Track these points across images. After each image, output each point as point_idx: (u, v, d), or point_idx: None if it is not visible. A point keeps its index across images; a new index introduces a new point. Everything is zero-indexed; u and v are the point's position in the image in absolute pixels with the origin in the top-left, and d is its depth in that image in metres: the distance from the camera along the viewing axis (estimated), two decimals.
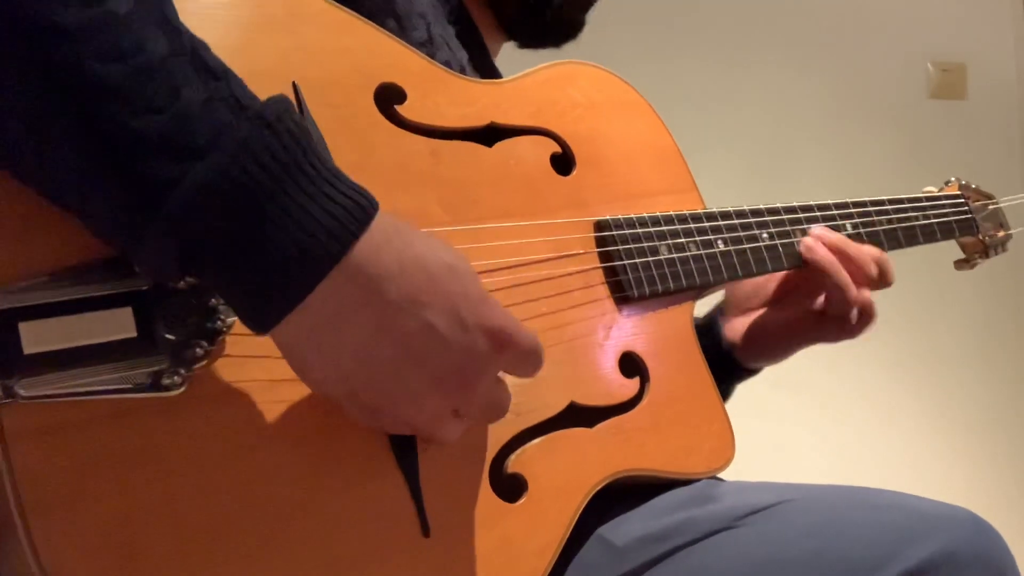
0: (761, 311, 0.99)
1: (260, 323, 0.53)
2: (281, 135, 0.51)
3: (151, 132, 0.48)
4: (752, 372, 1.01)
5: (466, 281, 0.58)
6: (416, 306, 0.55)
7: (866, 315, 0.94)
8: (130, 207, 0.49)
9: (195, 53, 0.52)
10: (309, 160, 0.52)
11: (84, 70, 0.48)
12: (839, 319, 0.94)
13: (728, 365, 0.99)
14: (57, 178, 0.50)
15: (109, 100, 0.48)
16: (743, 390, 1.01)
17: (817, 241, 0.92)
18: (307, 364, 0.56)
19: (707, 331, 0.99)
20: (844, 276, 0.91)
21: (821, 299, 0.95)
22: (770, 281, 0.98)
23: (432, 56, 0.77)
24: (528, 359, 0.61)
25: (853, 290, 0.91)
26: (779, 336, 0.98)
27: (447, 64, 0.80)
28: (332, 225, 0.52)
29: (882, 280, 0.95)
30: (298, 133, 0.52)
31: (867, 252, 0.94)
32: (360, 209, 0.53)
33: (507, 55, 1.02)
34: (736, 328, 0.99)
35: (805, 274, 0.94)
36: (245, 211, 0.50)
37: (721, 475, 0.83)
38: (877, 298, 0.94)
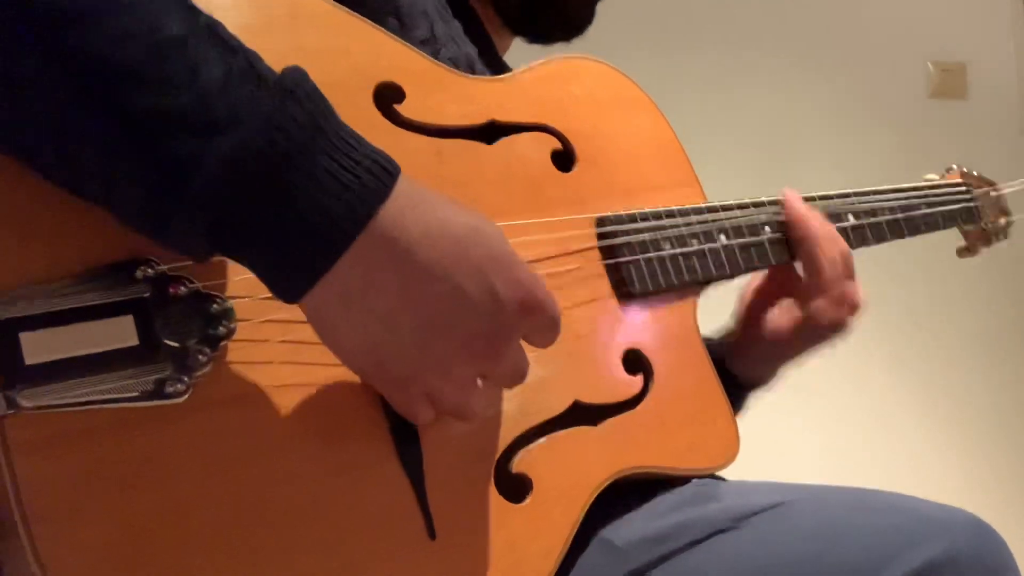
0: (757, 328, 0.95)
1: (290, 292, 0.53)
2: (303, 102, 0.51)
3: (173, 111, 0.48)
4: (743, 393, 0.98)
5: (492, 242, 0.57)
6: (443, 271, 0.55)
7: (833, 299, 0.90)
8: (156, 187, 0.49)
9: (210, 29, 0.52)
10: (330, 126, 0.52)
11: (101, 54, 0.48)
12: (816, 313, 0.91)
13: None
14: (78, 168, 0.50)
15: (128, 82, 0.48)
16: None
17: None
18: (337, 333, 0.55)
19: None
20: (814, 229, 0.89)
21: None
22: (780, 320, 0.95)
23: (436, 53, 0.76)
24: (551, 327, 0.61)
25: (823, 258, 0.89)
26: (768, 348, 0.95)
27: (454, 60, 0.80)
28: (358, 189, 0.52)
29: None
30: (317, 100, 0.52)
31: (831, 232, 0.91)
32: (385, 172, 0.53)
33: (520, 50, 1.01)
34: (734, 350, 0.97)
35: (784, 279, 0.93)
36: (271, 181, 0.50)
37: (722, 474, 0.83)
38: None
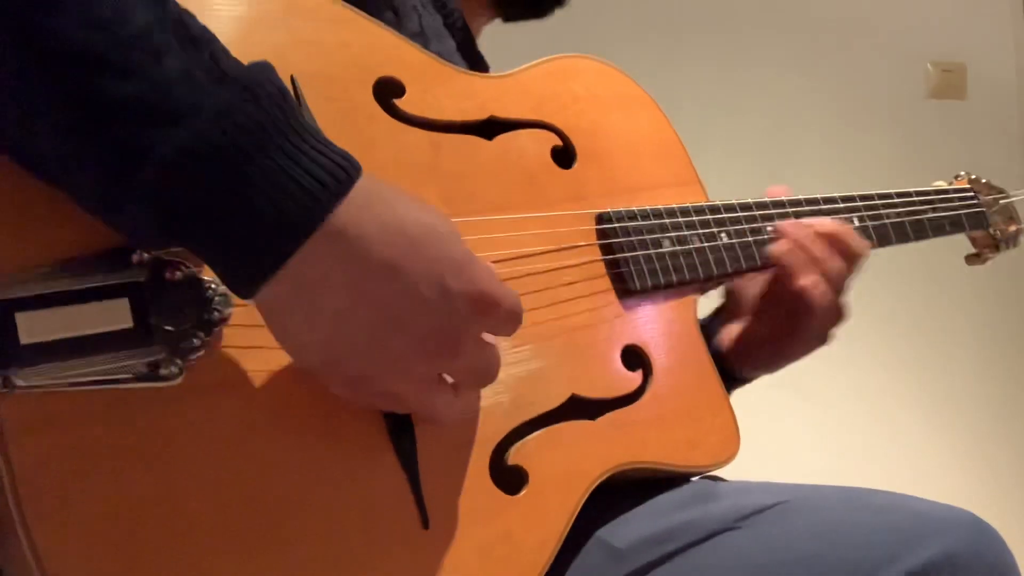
0: (748, 319, 0.95)
1: (244, 287, 0.53)
2: (261, 99, 0.51)
3: (130, 99, 0.49)
4: (743, 381, 0.97)
5: (448, 242, 0.58)
6: (395, 270, 0.55)
7: (805, 306, 0.88)
8: (108, 174, 0.49)
9: (179, 21, 0.52)
10: (290, 123, 0.52)
11: (68, 39, 0.48)
12: (804, 314, 0.89)
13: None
14: (38, 147, 0.50)
15: (90, 68, 0.48)
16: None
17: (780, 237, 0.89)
18: (288, 330, 0.55)
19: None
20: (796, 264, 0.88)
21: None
22: (755, 287, 0.94)
23: (426, 47, 0.77)
24: (510, 320, 0.61)
25: (798, 278, 0.87)
26: (763, 345, 0.94)
27: (439, 55, 0.80)
28: (313, 187, 0.52)
29: (845, 258, 0.90)
30: (278, 97, 0.52)
31: (810, 234, 0.89)
32: (342, 171, 0.53)
33: (504, 44, 1.01)
34: (728, 335, 0.96)
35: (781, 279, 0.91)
36: (224, 175, 0.50)
37: (721, 473, 0.83)
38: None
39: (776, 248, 0.89)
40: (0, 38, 0.48)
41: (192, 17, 0.53)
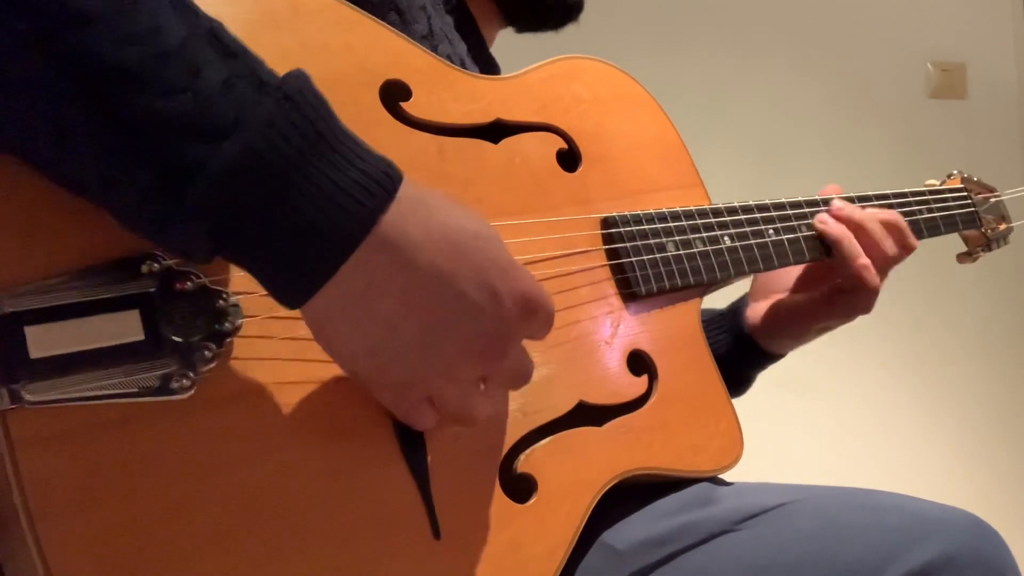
0: (782, 295, 0.99)
1: (293, 298, 0.53)
2: (303, 108, 0.51)
3: (173, 115, 0.48)
4: (774, 357, 1.01)
5: (492, 247, 0.58)
6: (445, 275, 0.55)
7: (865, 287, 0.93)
8: (156, 192, 0.49)
9: (212, 33, 0.51)
10: (332, 131, 0.52)
11: (103, 55, 0.47)
12: (851, 292, 0.93)
13: (750, 349, 0.99)
14: (77, 166, 0.49)
15: (129, 84, 0.48)
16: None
17: (829, 217, 0.93)
18: (337, 338, 0.55)
19: (732, 316, 1.00)
20: (854, 247, 0.91)
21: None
22: (793, 268, 0.98)
23: (434, 50, 0.76)
24: (547, 322, 0.62)
25: (861, 259, 0.91)
26: (796, 316, 0.97)
27: (448, 58, 0.80)
28: (361, 195, 0.52)
29: (901, 247, 0.95)
30: (319, 105, 0.52)
31: (880, 227, 0.93)
32: (387, 178, 0.53)
33: (508, 46, 1.01)
34: (758, 312, 0.99)
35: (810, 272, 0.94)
36: (274, 187, 0.50)
37: (723, 475, 0.83)
38: (881, 298, 0.94)
39: (834, 230, 0.91)
40: (30, 56, 0.47)
41: (223, 28, 0.52)
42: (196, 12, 0.51)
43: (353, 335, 0.55)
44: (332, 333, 0.55)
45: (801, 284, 0.98)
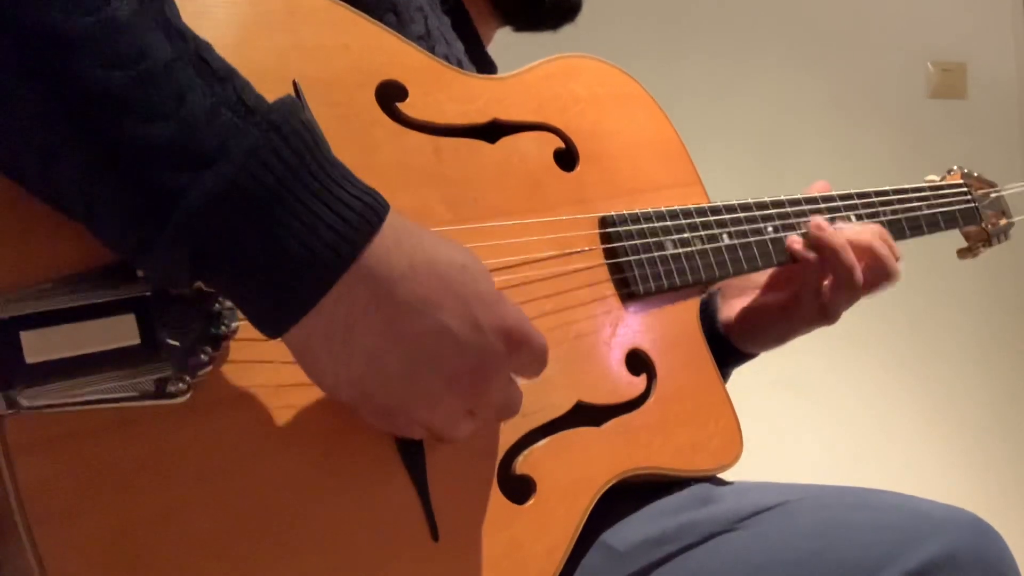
0: (755, 293, 0.96)
1: (273, 328, 0.53)
2: (289, 138, 0.50)
3: (157, 140, 0.48)
4: (747, 356, 0.98)
5: (478, 280, 0.57)
6: (428, 307, 0.55)
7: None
8: (138, 216, 0.48)
9: (199, 56, 0.51)
10: (318, 162, 0.51)
11: (87, 78, 0.47)
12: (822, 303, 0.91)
13: (723, 348, 0.96)
14: (62, 188, 0.49)
15: (113, 108, 0.47)
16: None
17: (804, 240, 0.91)
18: (320, 368, 0.55)
19: (702, 312, 0.97)
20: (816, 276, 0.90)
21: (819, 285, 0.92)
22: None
23: (431, 50, 0.76)
24: (537, 360, 0.61)
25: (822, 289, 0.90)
26: (772, 319, 0.95)
27: (445, 58, 0.79)
28: (343, 228, 0.51)
29: (877, 278, 0.92)
30: (306, 135, 0.51)
31: (851, 257, 0.90)
32: (371, 211, 0.53)
33: (505, 45, 1.01)
34: (731, 310, 0.97)
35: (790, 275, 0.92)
36: (256, 217, 0.49)
37: (722, 474, 0.83)
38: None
39: (799, 249, 0.90)
40: (14, 78, 0.47)
41: (211, 50, 0.52)
42: (183, 33, 0.51)
43: (334, 366, 0.54)
44: (312, 362, 0.55)
45: (773, 281, 0.95)
